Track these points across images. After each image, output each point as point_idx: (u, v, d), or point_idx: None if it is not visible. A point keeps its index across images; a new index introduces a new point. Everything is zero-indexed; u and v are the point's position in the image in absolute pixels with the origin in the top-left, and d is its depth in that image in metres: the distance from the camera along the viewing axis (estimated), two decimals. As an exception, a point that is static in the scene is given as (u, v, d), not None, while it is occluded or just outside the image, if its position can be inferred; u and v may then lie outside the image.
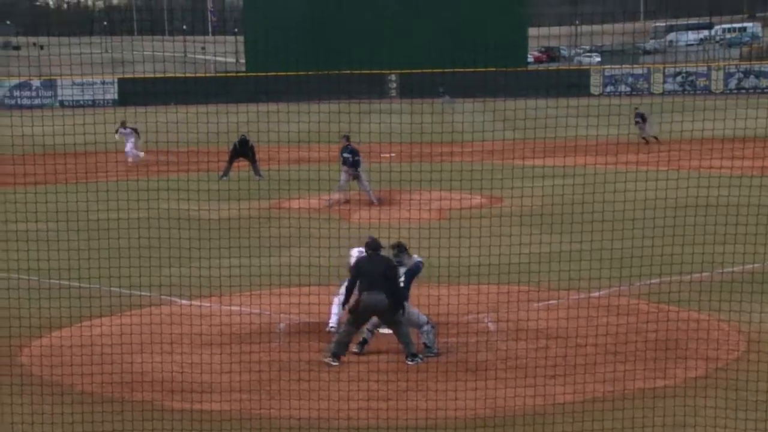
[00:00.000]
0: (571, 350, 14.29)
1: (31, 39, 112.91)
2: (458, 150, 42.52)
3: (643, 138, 44.62)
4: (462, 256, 17.55)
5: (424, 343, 14.48)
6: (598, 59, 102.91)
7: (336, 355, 14.18)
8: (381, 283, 14.12)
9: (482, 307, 16.27)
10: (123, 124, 41.25)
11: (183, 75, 74.94)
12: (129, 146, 41.47)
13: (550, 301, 17.18)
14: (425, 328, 14.52)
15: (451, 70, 75.67)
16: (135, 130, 41.63)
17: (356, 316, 14.29)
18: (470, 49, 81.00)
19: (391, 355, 14.49)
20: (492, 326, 15.93)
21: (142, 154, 41.70)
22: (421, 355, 14.26)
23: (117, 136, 40.82)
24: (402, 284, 14.41)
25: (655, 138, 44.26)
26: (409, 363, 14.12)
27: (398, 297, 14.23)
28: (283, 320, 16.36)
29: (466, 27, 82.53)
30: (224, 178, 35.03)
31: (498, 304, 16.27)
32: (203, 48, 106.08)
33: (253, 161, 36.19)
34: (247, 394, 13.06)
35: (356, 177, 29.58)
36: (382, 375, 13.62)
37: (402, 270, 14.53)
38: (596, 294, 17.46)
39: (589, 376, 13.34)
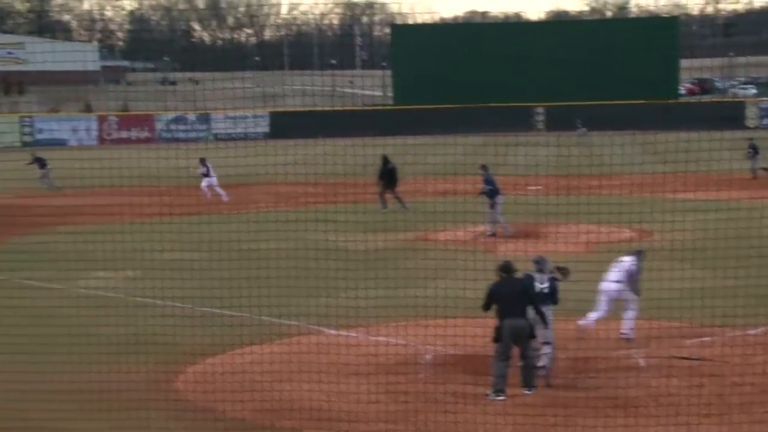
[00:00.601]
0: (726, 388, 13.86)
1: (187, 74, 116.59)
2: (606, 183, 41.86)
3: (753, 170, 43.32)
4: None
5: (543, 366, 14.51)
6: (754, 91, 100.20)
7: (499, 391, 14.10)
8: (519, 307, 14.08)
9: (632, 343, 15.92)
10: (203, 161, 39.45)
11: (331, 108, 76.12)
12: (205, 182, 39.82)
13: (704, 338, 16.71)
14: (547, 349, 14.47)
15: (599, 102, 74.79)
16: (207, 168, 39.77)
17: (502, 346, 14.19)
18: (619, 82, 79.97)
19: (539, 389, 14.31)
20: (642, 362, 15.58)
21: (221, 192, 39.73)
22: (535, 384, 14.21)
23: (199, 171, 39.41)
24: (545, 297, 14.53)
25: (765, 170, 43.03)
26: (526, 392, 14.03)
27: (542, 313, 14.26)
28: (429, 351, 16.35)
29: (615, 59, 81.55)
30: (384, 209, 35.12)
31: (648, 339, 15.90)
32: (351, 82, 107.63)
33: (393, 186, 36.04)
34: (393, 425, 13.07)
35: (492, 207, 29.56)
36: (528, 409, 13.46)
37: (545, 281, 14.62)
38: (753, 331, 16.90)
39: (745, 416, 12.90)
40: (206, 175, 39.67)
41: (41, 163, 43.44)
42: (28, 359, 15.01)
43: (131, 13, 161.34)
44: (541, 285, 14.69)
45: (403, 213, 34.16)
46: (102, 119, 73.69)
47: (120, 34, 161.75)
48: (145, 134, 72.81)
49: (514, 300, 14.09)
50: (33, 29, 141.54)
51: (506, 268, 14.49)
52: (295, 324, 18.13)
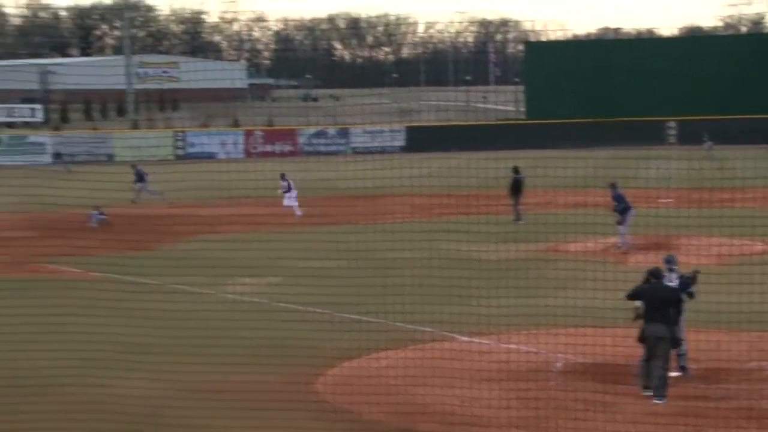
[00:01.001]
0: None
1: (328, 91, 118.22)
2: (739, 196, 40.67)
3: None
4: (742, 302, 16.74)
5: (682, 366, 14.25)
6: None
7: (647, 387, 14.10)
8: (662, 312, 13.93)
9: (765, 355, 15.43)
10: (283, 177, 37.42)
11: (465, 123, 75.99)
12: (287, 200, 37.68)
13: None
14: (684, 348, 14.38)
15: (732, 117, 72.81)
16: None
17: (646, 348, 14.09)
18: (753, 96, 77.68)
19: (669, 399, 13.99)
20: (774, 374, 15.08)
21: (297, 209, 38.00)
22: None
23: (280, 192, 37.97)
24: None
25: None
26: (657, 402, 13.75)
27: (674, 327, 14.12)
28: (560, 360, 16.15)
29: (746, 72, 79.26)
30: (518, 221, 34.77)
31: (781, 352, 15.39)
32: (485, 97, 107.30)
33: (517, 197, 35.48)
34: (524, 430, 12.96)
35: (620, 222, 29.02)
36: (659, 418, 13.16)
37: (674, 280, 14.71)
38: None
39: None
40: (287, 191, 37.86)
41: (140, 175, 42.94)
42: (179, 360, 15.40)
43: (277, 33, 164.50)
44: (671, 283, 14.72)
45: (526, 225, 33.71)
46: (248, 134, 75.19)
47: (266, 54, 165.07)
48: (288, 148, 73.96)
49: (659, 306, 14.01)
50: (186, 50, 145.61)
51: (656, 273, 14.48)
52: (428, 330, 18.14)
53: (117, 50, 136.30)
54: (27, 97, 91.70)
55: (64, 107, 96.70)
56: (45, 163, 66.03)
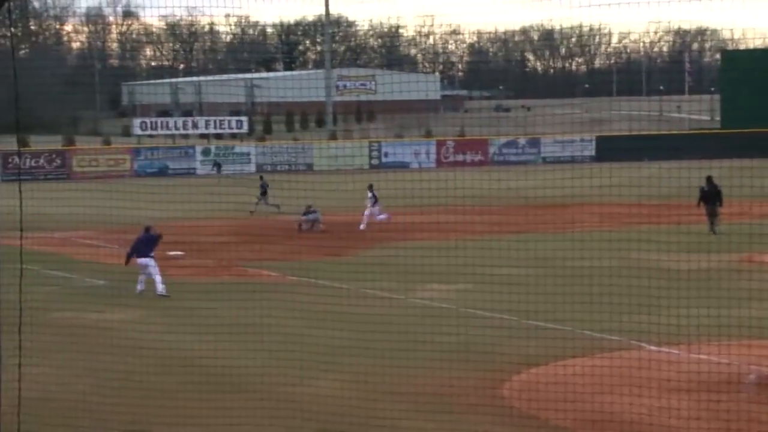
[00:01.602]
0: None
1: (520, 101, 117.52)
2: None
3: None
4: None
5: None
6: None
7: None
8: None
9: None
10: (371, 188, 36.98)
11: (658, 132, 73.99)
12: (371, 211, 37.46)
13: None
14: None
15: None
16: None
17: None
18: None
19: None
20: None
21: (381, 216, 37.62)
22: None
23: (367, 200, 37.41)
24: None
25: None
26: None
27: None
28: (753, 371, 15.45)
29: None
30: (713, 232, 33.51)
31: None
32: (678, 107, 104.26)
33: (714, 208, 34.02)
34: (713, 443, 12.46)
35: None
36: None
37: None
38: None
39: None
40: (374, 203, 37.33)
41: (264, 188, 42.20)
42: (371, 362, 15.59)
43: (471, 45, 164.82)
44: None
45: (720, 235, 32.42)
46: (440, 144, 75.58)
47: (460, 66, 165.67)
48: (478, 157, 73.93)
49: None
50: (383, 63, 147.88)
51: None
52: (616, 339, 17.72)
53: (318, 64, 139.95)
54: (234, 110, 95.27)
55: (268, 119, 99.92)
56: (250, 173, 68.50)
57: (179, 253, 29.12)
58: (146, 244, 23.91)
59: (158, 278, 23.49)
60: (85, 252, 31.34)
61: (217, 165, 62.16)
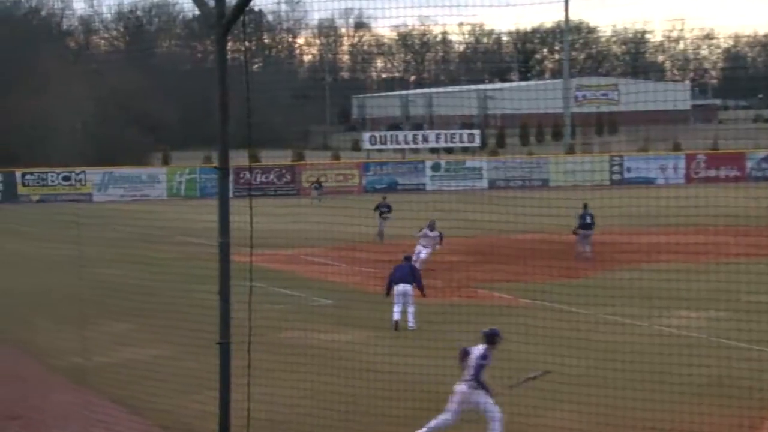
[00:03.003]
0: None
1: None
2: None
3: None
4: None
5: None
6: None
7: None
8: None
9: None
10: (431, 225, 33.49)
11: None
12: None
13: None
14: None
15: None
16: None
17: None
18: None
19: None
20: None
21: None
22: None
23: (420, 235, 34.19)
24: None
25: None
26: None
27: None
28: None
29: None
30: None
31: None
32: None
33: None
34: None
35: None
36: None
37: None
38: None
39: None
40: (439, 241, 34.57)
41: (383, 210, 41.34)
42: (609, 393, 15.27)
43: (726, 50, 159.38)
44: None
45: None
46: (690, 158, 73.40)
47: (713, 73, 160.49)
48: (734, 173, 71.34)
49: None
50: (627, 71, 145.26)
51: None
52: None
53: (555, 74, 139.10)
54: (466, 122, 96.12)
55: (502, 131, 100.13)
56: (482, 188, 68.83)
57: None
58: (405, 271, 24.32)
59: (411, 308, 23.88)
60: (312, 270, 32.40)
61: (319, 185, 62.49)
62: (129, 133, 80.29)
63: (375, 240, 39.17)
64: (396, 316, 23.81)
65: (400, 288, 23.89)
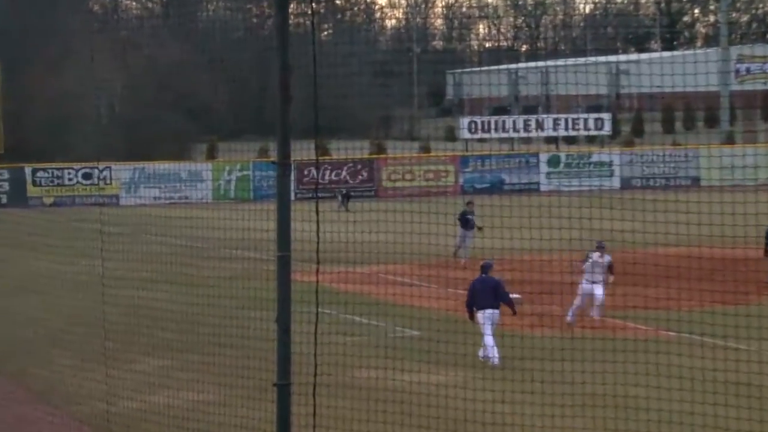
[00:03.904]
0: None
1: None
2: None
3: None
4: None
5: None
6: None
7: None
8: None
9: None
10: (600, 247, 30.56)
11: None
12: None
13: None
14: None
15: None
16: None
17: None
18: None
19: None
20: None
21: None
22: None
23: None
24: None
25: None
26: None
27: None
28: None
29: None
30: None
31: None
32: None
33: None
34: None
35: None
36: None
37: None
38: None
39: None
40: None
41: (466, 221, 40.78)
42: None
43: None
44: None
45: None
46: None
47: None
48: None
49: None
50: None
51: None
52: None
53: (710, 41, 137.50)
54: (593, 105, 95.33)
55: (639, 116, 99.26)
56: (612, 188, 68.25)
57: (516, 296, 29.56)
58: (487, 289, 24.31)
59: (489, 339, 23.91)
60: (394, 292, 32.45)
61: (346, 197, 61.91)
62: (165, 118, 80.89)
63: (456, 257, 39.90)
64: (490, 351, 23.86)
65: (487, 314, 23.94)
